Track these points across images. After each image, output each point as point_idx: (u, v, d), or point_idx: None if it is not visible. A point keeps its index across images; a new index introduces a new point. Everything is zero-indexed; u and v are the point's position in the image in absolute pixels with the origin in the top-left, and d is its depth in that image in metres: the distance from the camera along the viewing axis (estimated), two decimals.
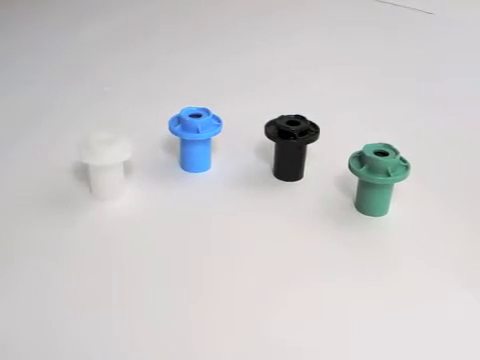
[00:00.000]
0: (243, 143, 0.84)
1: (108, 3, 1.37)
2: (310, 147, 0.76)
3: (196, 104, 0.78)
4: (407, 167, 0.69)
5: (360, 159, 0.70)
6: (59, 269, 0.63)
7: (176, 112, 0.77)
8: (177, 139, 0.78)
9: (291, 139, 0.74)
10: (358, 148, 0.71)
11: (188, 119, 0.75)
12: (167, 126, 0.76)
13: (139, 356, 0.54)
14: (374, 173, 0.68)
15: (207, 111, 0.77)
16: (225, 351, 0.55)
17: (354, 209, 0.72)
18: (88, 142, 0.69)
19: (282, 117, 0.76)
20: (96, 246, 0.66)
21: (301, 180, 0.78)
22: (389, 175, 0.68)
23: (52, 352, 0.54)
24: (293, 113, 0.76)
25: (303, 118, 0.76)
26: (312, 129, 0.75)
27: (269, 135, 0.75)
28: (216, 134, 0.76)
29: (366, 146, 0.70)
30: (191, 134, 0.75)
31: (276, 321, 0.58)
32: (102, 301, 0.59)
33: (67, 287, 0.61)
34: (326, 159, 0.80)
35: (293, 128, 0.74)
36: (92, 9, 1.34)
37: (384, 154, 0.69)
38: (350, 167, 0.70)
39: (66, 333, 0.56)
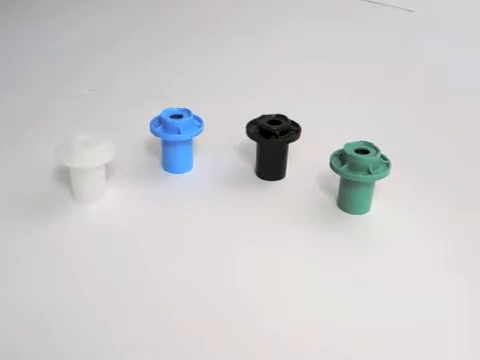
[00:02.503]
0: (225, 143, 0.84)
1: (89, 4, 1.36)
2: (292, 146, 0.77)
3: (177, 105, 0.77)
4: (388, 165, 0.70)
5: (341, 157, 0.71)
6: (37, 271, 0.62)
7: (157, 113, 0.77)
8: (159, 140, 0.78)
9: (272, 138, 0.74)
10: (339, 146, 0.71)
11: (169, 120, 0.75)
12: (148, 127, 0.76)
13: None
14: (355, 171, 0.69)
15: (188, 112, 0.77)
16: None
17: (336, 207, 0.73)
18: (68, 144, 0.69)
19: (263, 116, 0.76)
20: (77, 248, 0.66)
21: (283, 179, 0.78)
22: (370, 173, 0.68)
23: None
24: (274, 112, 0.76)
25: (284, 117, 0.76)
26: (293, 128, 0.75)
27: (250, 135, 0.75)
28: (197, 134, 0.76)
29: (347, 144, 0.70)
30: (172, 135, 0.75)
31: (262, 319, 0.58)
32: (83, 302, 0.59)
33: (48, 288, 0.61)
34: (308, 158, 0.80)
35: (274, 127, 0.74)
36: (73, 10, 1.33)
37: (365, 152, 0.69)
38: (331, 166, 0.70)
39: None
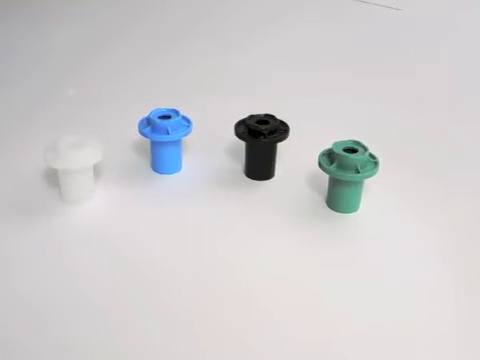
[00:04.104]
0: (214, 143, 0.84)
1: (75, 7, 1.35)
2: (280, 146, 0.77)
3: (165, 105, 0.77)
4: (376, 163, 0.70)
5: (330, 156, 0.71)
6: (27, 272, 0.62)
7: (145, 114, 0.76)
8: (148, 140, 0.77)
9: (261, 138, 0.74)
10: (328, 146, 0.71)
11: (157, 121, 0.75)
12: (137, 128, 0.76)
13: None
14: (344, 170, 0.69)
15: (176, 112, 0.76)
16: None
17: (325, 206, 0.73)
18: (56, 146, 0.68)
19: (251, 116, 0.76)
20: (65, 249, 0.66)
21: (272, 179, 0.78)
22: (358, 172, 0.68)
23: None
24: (263, 112, 0.76)
25: (272, 117, 0.76)
26: (282, 128, 0.76)
27: (239, 135, 0.75)
28: (186, 135, 0.76)
29: (335, 143, 0.71)
30: (161, 136, 0.75)
31: (247, 321, 0.58)
32: (73, 302, 0.59)
33: (38, 290, 0.61)
34: (297, 157, 0.81)
35: (263, 127, 0.74)
36: (60, 13, 1.33)
37: (353, 151, 0.70)
38: (320, 165, 0.70)
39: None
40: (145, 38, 1.21)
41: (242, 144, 0.77)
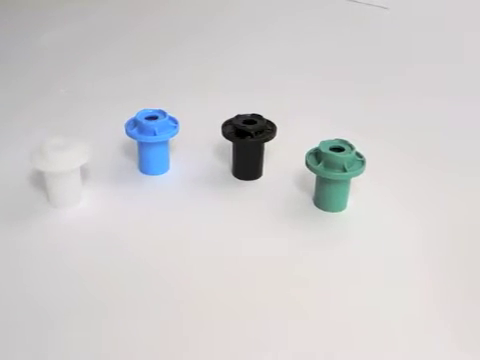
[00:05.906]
0: (201, 144, 0.84)
1: (63, 9, 1.34)
2: (268, 145, 0.77)
3: (152, 106, 0.77)
4: (363, 162, 0.70)
5: (317, 156, 0.71)
6: (15, 276, 0.62)
7: (132, 115, 0.76)
8: (135, 142, 0.77)
9: (248, 138, 0.74)
10: (315, 145, 0.71)
11: (144, 122, 0.74)
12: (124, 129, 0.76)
13: None
14: (330, 169, 0.69)
15: (163, 113, 0.76)
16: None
17: (313, 205, 0.73)
18: (42, 148, 0.68)
19: (238, 116, 0.76)
20: (52, 254, 0.65)
21: (260, 179, 0.78)
22: (345, 170, 0.68)
23: None
24: (249, 112, 0.76)
25: (259, 117, 0.76)
26: (269, 127, 0.76)
27: (226, 135, 0.75)
28: (173, 136, 0.76)
29: (322, 142, 0.71)
30: (148, 136, 0.75)
31: (238, 326, 0.58)
32: (67, 302, 0.59)
33: (16, 296, 0.60)
34: (284, 157, 0.81)
35: (250, 127, 0.74)
36: (48, 15, 1.32)
37: (340, 150, 0.70)
38: (307, 164, 0.70)
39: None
40: (132, 40, 1.20)
41: (229, 144, 0.77)
